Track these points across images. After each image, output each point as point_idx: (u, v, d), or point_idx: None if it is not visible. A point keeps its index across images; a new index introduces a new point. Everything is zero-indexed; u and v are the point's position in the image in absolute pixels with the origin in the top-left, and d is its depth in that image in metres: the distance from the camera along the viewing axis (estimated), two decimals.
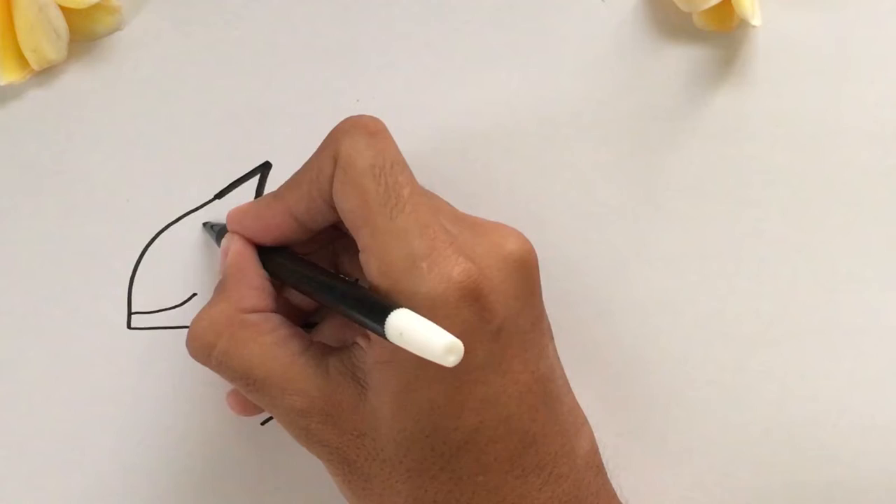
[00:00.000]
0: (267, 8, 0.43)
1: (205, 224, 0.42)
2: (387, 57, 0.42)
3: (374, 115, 0.36)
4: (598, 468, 0.37)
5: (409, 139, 0.42)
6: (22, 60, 0.41)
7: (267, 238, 0.38)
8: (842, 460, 0.42)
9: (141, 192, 0.42)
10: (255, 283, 0.37)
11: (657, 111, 0.42)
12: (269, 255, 0.38)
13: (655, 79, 0.42)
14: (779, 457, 0.42)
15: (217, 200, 0.42)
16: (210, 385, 0.42)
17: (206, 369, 0.41)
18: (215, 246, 0.41)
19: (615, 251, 0.42)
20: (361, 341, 0.35)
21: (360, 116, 0.36)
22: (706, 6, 0.40)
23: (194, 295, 0.42)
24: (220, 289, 0.38)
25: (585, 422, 0.37)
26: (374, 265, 0.34)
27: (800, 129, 0.42)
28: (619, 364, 0.41)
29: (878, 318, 0.42)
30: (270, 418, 0.42)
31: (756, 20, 0.40)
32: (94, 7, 0.41)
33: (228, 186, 0.42)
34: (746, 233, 0.42)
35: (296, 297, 0.40)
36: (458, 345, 0.30)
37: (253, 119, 0.42)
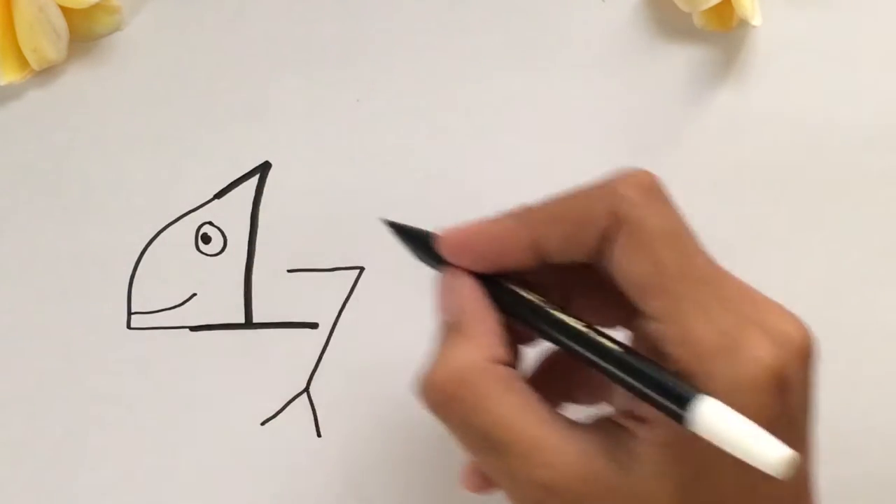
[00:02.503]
0: (267, 8, 0.43)
1: (391, 223, 0.37)
2: (387, 57, 0.42)
3: (648, 170, 0.33)
4: None
5: (408, 139, 0.42)
6: (22, 60, 0.41)
7: (492, 265, 0.34)
8: (842, 460, 0.42)
9: (141, 193, 0.42)
10: (495, 329, 0.33)
11: (657, 111, 0.42)
12: (495, 287, 0.34)
13: (655, 79, 0.42)
14: None
15: (217, 200, 0.42)
16: (210, 386, 0.42)
17: (206, 370, 0.41)
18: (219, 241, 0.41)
19: None
20: (625, 419, 0.32)
21: (639, 172, 0.33)
22: (706, 6, 0.40)
23: (194, 295, 0.42)
24: (457, 332, 0.33)
25: None
26: (677, 339, 0.31)
27: (800, 129, 0.42)
28: None
29: (878, 318, 0.42)
30: (270, 418, 0.42)
31: (756, 20, 0.40)
32: (94, 7, 0.41)
33: (228, 186, 0.42)
34: (746, 233, 0.42)
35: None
36: (795, 459, 0.27)
37: (253, 119, 0.42)
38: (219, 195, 0.42)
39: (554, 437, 0.31)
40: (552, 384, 0.35)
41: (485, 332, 0.33)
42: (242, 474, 0.42)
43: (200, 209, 0.42)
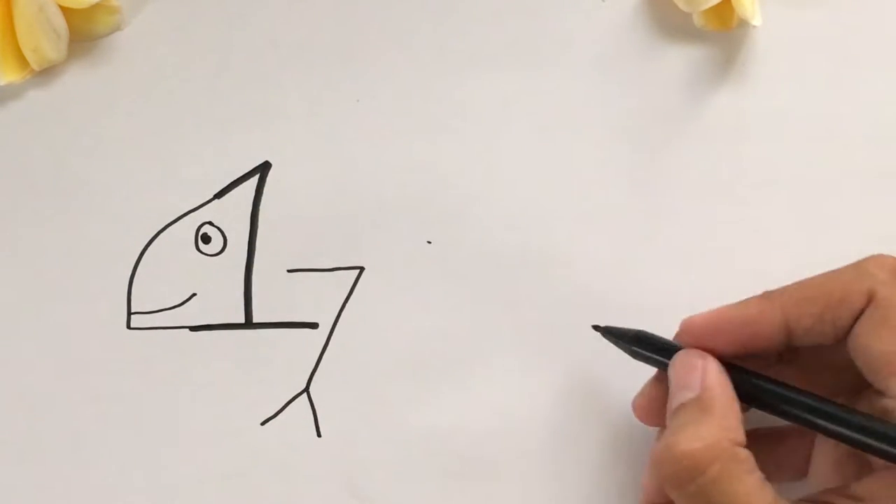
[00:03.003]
0: (267, 8, 0.43)
1: (603, 329, 0.39)
2: (387, 57, 0.42)
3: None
4: None
5: (408, 139, 0.42)
6: (22, 60, 0.42)
7: (740, 348, 0.36)
8: None
9: (140, 192, 0.42)
10: (739, 413, 0.35)
11: (657, 111, 0.42)
12: (731, 372, 0.35)
13: (655, 79, 0.42)
14: None
15: (217, 200, 0.42)
16: (210, 386, 0.42)
17: (206, 370, 0.41)
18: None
19: (615, 251, 0.42)
20: (838, 497, 0.33)
21: (886, 256, 0.35)
22: (706, 6, 0.40)
23: (194, 295, 0.42)
24: (703, 410, 0.34)
25: None
26: None
27: (799, 129, 0.42)
28: (619, 364, 0.41)
29: None
30: (270, 418, 0.42)
31: (756, 20, 0.40)
32: (94, 7, 0.41)
33: (228, 186, 0.42)
34: (746, 233, 0.42)
35: None
36: None
37: (253, 119, 0.42)
38: (219, 195, 0.42)
39: None
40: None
41: (729, 412, 0.34)
42: (242, 474, 0.42)
43: (200, 209, 0.42)
